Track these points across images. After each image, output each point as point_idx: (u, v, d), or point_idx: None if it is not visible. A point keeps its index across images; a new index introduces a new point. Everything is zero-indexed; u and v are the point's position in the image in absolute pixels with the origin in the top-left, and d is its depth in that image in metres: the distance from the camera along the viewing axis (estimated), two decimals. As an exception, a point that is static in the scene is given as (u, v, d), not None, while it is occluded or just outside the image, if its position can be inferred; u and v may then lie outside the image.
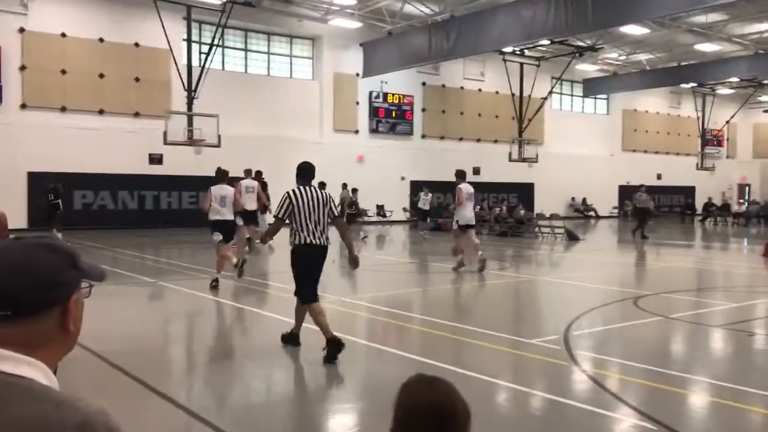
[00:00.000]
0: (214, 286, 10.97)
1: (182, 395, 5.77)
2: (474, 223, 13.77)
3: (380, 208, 29.21)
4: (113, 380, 6.06)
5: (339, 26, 27.33)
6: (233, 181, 12.33)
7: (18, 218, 20.22)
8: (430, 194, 23.54)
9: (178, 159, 23.50)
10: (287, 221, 6.83)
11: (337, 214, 7.03)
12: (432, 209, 24.16)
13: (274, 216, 7.02)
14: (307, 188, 6.86)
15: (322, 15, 26.92)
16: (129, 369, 6.27)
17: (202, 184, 24.44)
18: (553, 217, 23.90)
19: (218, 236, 11.04)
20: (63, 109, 22.84)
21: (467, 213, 13.38)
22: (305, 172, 7.01)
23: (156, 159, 24.12)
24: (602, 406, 5.34)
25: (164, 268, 14.34)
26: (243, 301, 10.41)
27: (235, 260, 11.05)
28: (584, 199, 37.31)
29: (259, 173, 16.88)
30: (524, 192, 33.97)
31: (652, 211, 23.87)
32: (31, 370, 1.19)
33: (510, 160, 30.93)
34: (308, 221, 6.68)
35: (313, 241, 6.72)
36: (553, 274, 14.53)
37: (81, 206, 23.14)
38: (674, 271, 15.10)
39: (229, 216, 11.17)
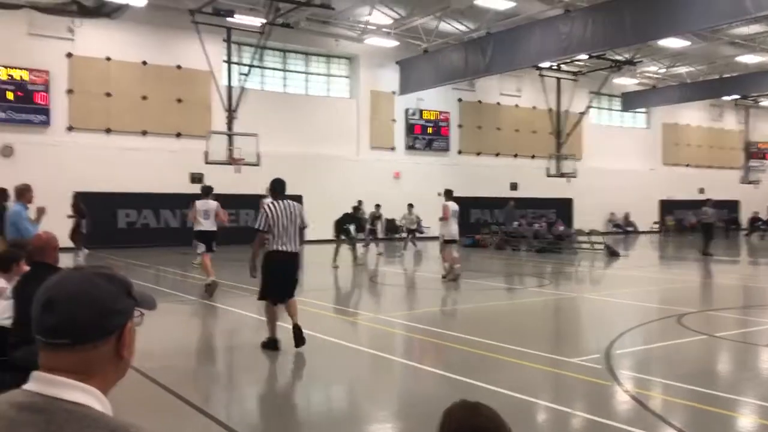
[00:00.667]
0: (210, 290, 11.86)
1: (223, 413, 5.85)
2: (457, 238, 15.12)
3: (418, 224, 29.17)
4: (157, 398, 6.17)
5: (375, 45, 27.59)
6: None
7: (65, 238, 20.77)
8: (414, 214, 23.59)
9: (218, 178, 23.79)
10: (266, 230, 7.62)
11: (306, 225, 7.89)
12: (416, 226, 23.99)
13: (256, 229, 7.72)
14: (281, 202, 7.65)
15: (359, 34, 27.22)
16: (172, 386, 6.38)
17: (242, 202, 24.83)
18: (593, 232, 23.52)
19: (201, 247, 12.69)
20: (108, 131, 23.47)
21: (452, 229, 14.65)
22: (278, 187, 7.86)
23: (197, 178, 24.52)
24: (646, 428, 5.24)
25: (202, 286, 14.53)
26: (284, 319, 10.50)
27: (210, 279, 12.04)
28: (627, 215, 36.72)
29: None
30: (563, 207, 33.60)
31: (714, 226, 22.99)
32: (87, 397, 1.24)
33: (548, 175, 30.69)
34: (282, 230, 7.51)
35: (285, 249, 7.55)
36: (594, 292, 14.33)
37: (125, 225, 23.68)
38: (720, 288, 14.75)
39: (211, 227, 12.83)
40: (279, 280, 7.68)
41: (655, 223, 37.87)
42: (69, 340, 1.26)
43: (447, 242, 14.69)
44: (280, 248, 7.53)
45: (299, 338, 7.63)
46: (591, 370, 6.94)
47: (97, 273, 1.34)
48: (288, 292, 7.80)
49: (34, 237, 5.78)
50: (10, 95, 21.71)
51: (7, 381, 5.40)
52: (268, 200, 16.13)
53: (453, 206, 14.80)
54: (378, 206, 22.63)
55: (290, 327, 7.83)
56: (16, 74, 21.83)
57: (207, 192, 13.24)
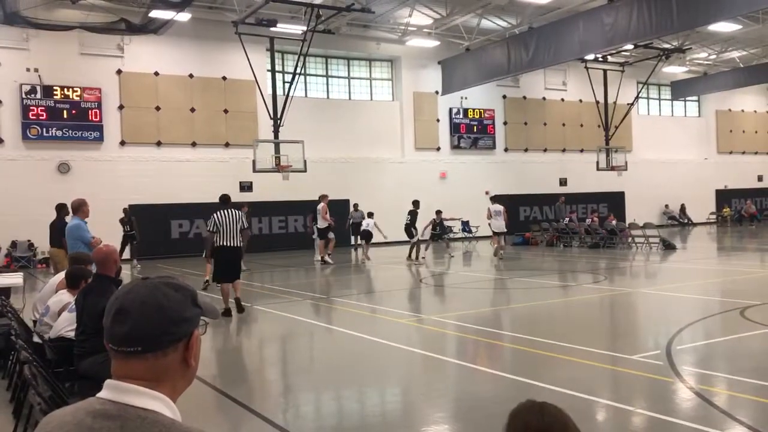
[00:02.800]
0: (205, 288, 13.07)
1: (280, 416, 5.90)
2: (500, 231, 19.95)
3: (465, 224, 29.03)
4: (215, 403, 6.27)
5: (417, 46, 27.56)
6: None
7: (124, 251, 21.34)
8: (370, 218, 21.24)
9: (266, 185, 24.23)
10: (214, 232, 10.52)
11: (246, 227, 10.74)
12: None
13: (209, 231, 10.72)
14: (225, 211, 10.56)
15: (400, 36, 27.24)
16: (229, 391, 6.48)
17: (290, 208, 25.10)
18: (647, 226, 22.97)
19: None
20: (158, 144, 24.04)
21: (495, 223, 19.80)
22: (224, 200, 11.04)
23: (246, 186, 24.99)
24: (712, 425, 5.07)
25: (258, 292, 14.76)
26: (336, 323, 10.57)
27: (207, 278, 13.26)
28: (682, 206, 35.77)
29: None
30: (614, 201, 32.92)
31: None
32: (158, 403, 1.28)
33: (598, 169, 30.08)
34: (225, 232, 10.39)
35: (227, 244, 10.42)
36: (651, 286, 13.98)
37: (178, 235, 24.20)
38: (783, 279, 14.21)
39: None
40: (224, 266, 10.51)
41: (712, 213, 36.77)
42: (140, 347, 1.29)
43: (494, 234, 20.04)
44: (224, 244, 10.40)
45: (240, 307, 10.75)
46: (652, 367, 6.77)
47: (165, 282, 1.37)
48: (233, 274, 10.59)
49: (95, 250, 5.95)
50: (65, 114, 22.45)
51: (75, 389, 5.57)
52: (321, 204, 18.48)
53: (494, 207, 19.94)
54: (438, 212, 22.67)
55: (352, 334, 7.86)
56: (71, 93, 22.56)
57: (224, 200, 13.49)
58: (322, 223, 19.43)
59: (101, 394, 1.30)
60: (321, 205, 19.40)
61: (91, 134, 22.91)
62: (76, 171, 22.49)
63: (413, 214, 20.23)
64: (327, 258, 19.52)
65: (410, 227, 20.02)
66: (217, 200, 11.42)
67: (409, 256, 19.94)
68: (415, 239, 19.85)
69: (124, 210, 21.12)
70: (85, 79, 22.71)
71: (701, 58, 33.15)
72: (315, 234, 20.29)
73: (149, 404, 1.26)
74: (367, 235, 20.63)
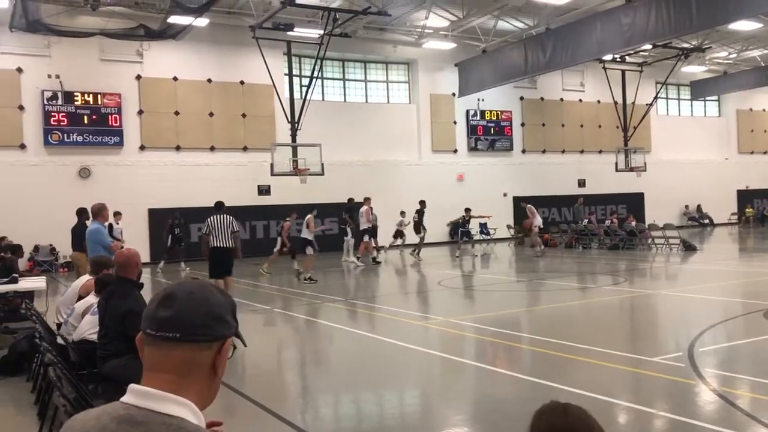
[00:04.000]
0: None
1: (299, 417, 5.92)
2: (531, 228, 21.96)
3: (483, 226, 28.92)
4: (234, 405, 6.30)
5: (433, 48, 27.54)
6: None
7: (141, 253, 21.54)
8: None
9: (284, 188, 24.34)
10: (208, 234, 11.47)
11: (236, 230, 11.60)
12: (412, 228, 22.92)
13: (203, 233, 11.78)
14: (218, 216, 11.51)
15: (416, 39, 27.24)
16: (249, 393, 6.51)
17: (308, 211, 25.18)
18: (667, 227, 22.74)
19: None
20: (177, 148, 24.23)
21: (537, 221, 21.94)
22: (218, 206, 11.97)
23: (264, 190, 25.12)
24: (736, 427, 5.02)
25: (277, 294, 14.83)
26: (355, 325, 10.59)
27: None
28: (699, 207, 35.41)
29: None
30: (634, 202, 32.64)
31: None
32: (183, 409, 1.28)
33: (617, 170, 29.85)
34: (217, 234, 11.36)
35: (219, 245, 11.34)
36: (671, 288, 13.84)
37: (197, 238, 24.30)
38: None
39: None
40: (217, 264, 11.42)
41: (733, 214, 36.33)
42: (179, 334, 1.30)
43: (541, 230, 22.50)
44: (216, 245, 11.35)
45: None
46: (674, 369, 6.70)
47: (213, 285, 1.43)
48: (225, 271, 11.41)
49: (117, 254, 6.02)
50: (85, 119, 22.71)
51: (98, 391, 5.63)
52: (364, 208, 18.80)
53: (533, 209, 22.28)
54: (468, 210, 22.82)
55: (371, 336, 7.86)
56: (91, 99, 22.82)
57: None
58: (364, 225, 20.06)
59: (125, 399, 1.29)
60: (365, 208, 20.10)
61: (111, 139, 23.15)
62: (97, 176, 22.74)
63: (420, 213, 21.88)
64: (357, 260, 20.25)
65: (419, 225, 21.70)
66: (235, 204, 12.05)
67: (416, 251, 21.38)
68: (422, 235, 21.57)
69: (174, 216, 21.24)
70: (105, 84, 22.96)
71: (721, 57, 32.79)
72: (349, 235, 20.95)
73: (174, 410, 1.26)
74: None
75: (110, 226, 20.00)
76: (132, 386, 1.31)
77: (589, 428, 1.56)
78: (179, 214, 21.61)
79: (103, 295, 5.48)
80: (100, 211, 9.98)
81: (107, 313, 5.18)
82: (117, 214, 18.26)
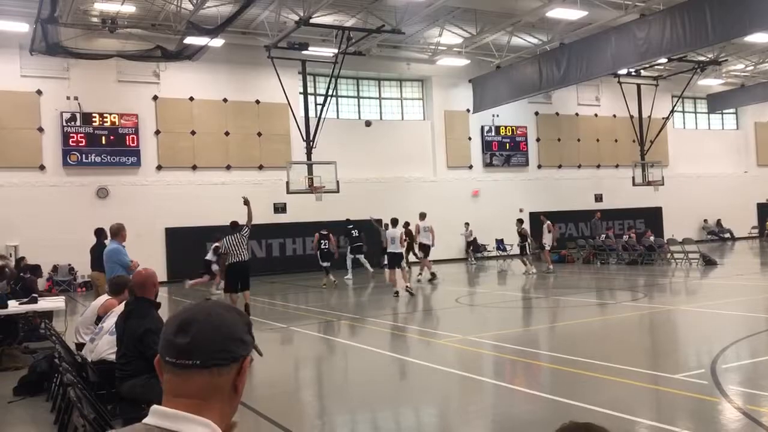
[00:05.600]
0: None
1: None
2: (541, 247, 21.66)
3: (499, 242, 28.81)
4: (252, 424, 6.27)
5: (447, 65, 27.63)
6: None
7: (158, 272, 21.64)
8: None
9: (300, 206, 24.41)
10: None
11: (245, 231, 12.53)
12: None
13: (221, 252, 13.30)
14: (233, 235, 12.50)
15: (430, 56, 27.35)
16: (265, 412, 6.48)
17: (324, 229, 25.19)
18: (686, 241, 22.46)
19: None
20: (194, 167, 24.42)
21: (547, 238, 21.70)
22: (232, 226, 13.01)
23: (280, 208, 25.21)
24: (763, 447, 4.91)
25: (293, 313, 14.81)
26: (372, 343, 10.53)
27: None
28: (719, 221, 35.03)
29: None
30: (651, 217, 32.38)
31: None
32: (205, 430, 1.28)
33: (634, 184, 29.65)
34: (234, 251, 12.33)
35: (237, 260, 12.31)
36: (692, 303, 13.66)
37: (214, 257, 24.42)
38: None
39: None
40: (235, 278, 12.37)
41: (754, 228, 35.89)
42: (199, 361, 1.29)
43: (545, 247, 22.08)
44: (233, 261, 12.33)
45: (248, 312, 11.21)
46: (697, 386, 6.59)
47: (226, 305, 1.41)
48: (243, 285, 12.39)
49: (134, 274, 6.05)
50: (103, 140, 22.97)
51: (116, 411, 5.62)
52: (402, 230, 19.07)
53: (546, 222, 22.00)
54: (520, 220, 23.00)
55: (387, 354, 7.81)
56: (109, 120, 23.10)
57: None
58: (396, 248, 17.28)
59: (148, 420, 1.29)
60: (401, 231, 17.96)
61: (128, 159, 23.38)
62: (115, 196, 22.95)
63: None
64: (405, 288, 16.60)
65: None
66: (252, 222, 12.74)
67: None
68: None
69: (217, 238, 20.94)
70: (122, 105, 23.24)
71: (738, 70, 32.60)
72: (385, 261, 18.63)
73: (197, 431, 1.26)
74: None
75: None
76: (154, 407, 1.30)
77: None
78: (220, 234, 21.38)
79: (122, 315, 5.50)
80: (118, 231, 10.05)
81: (125, 333, 5.19)
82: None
